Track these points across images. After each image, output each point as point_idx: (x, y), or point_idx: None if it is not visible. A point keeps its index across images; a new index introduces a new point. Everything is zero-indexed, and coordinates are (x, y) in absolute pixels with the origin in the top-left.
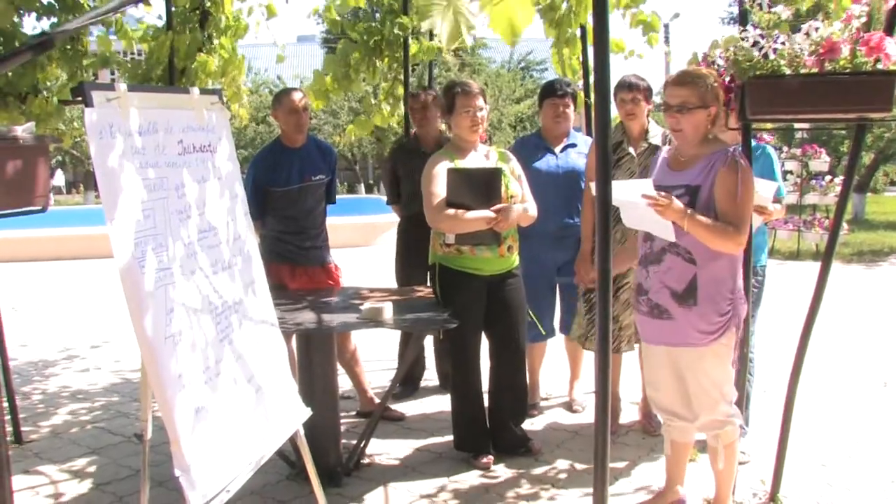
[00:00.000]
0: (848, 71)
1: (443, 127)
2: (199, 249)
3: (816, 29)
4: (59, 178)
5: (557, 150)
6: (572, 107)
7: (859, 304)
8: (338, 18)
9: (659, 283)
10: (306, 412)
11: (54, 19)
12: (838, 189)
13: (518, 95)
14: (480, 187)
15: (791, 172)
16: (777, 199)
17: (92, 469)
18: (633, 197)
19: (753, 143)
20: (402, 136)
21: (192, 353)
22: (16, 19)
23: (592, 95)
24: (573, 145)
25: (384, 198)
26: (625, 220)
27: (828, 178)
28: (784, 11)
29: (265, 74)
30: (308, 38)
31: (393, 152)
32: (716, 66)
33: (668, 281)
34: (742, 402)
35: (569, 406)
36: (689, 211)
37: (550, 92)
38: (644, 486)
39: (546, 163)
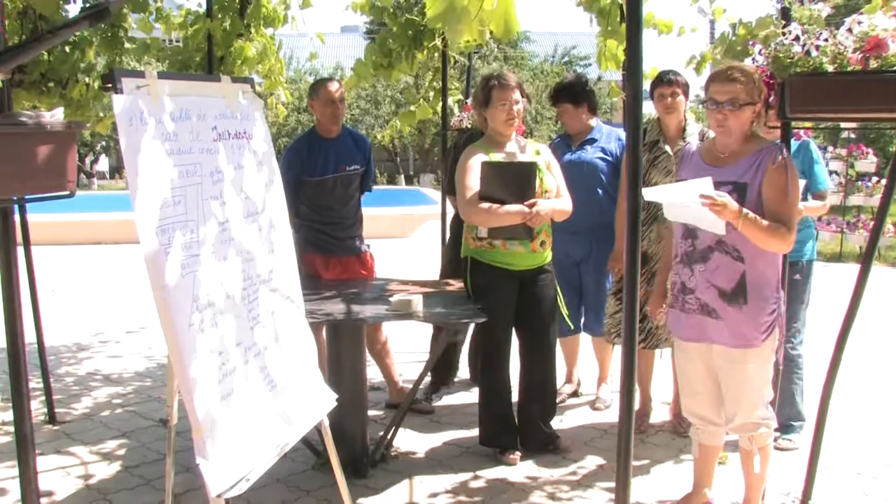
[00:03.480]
0: (895, 68)
1: None
2: (233, 236)
3: (859, 23)
4: (103, 163)
5: (574, 146)
6: (573, 108)
7: None
8: (378, 4)
9: (706, 282)
10: (332, 402)
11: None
12: None
13: None
14: (514, 181)
15: (836, 173)
16: (820, 193)
17: (121, 452)
18: (686, 198)
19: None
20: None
21: (217, 341)
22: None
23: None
24: (592, 140)
25: (423, 189)
26: (666, 213)
27: (874, 179)
28: (825, 9)
29: (307, 64)
30: (352, 28)
31: (457, 145)
32: (754, 62)
33: (715, 280)
34: (794, 399)
35: (593, 405)
36: (743, 211)
37: (553, 97)
38: (672, 487)
39: (560, 159)
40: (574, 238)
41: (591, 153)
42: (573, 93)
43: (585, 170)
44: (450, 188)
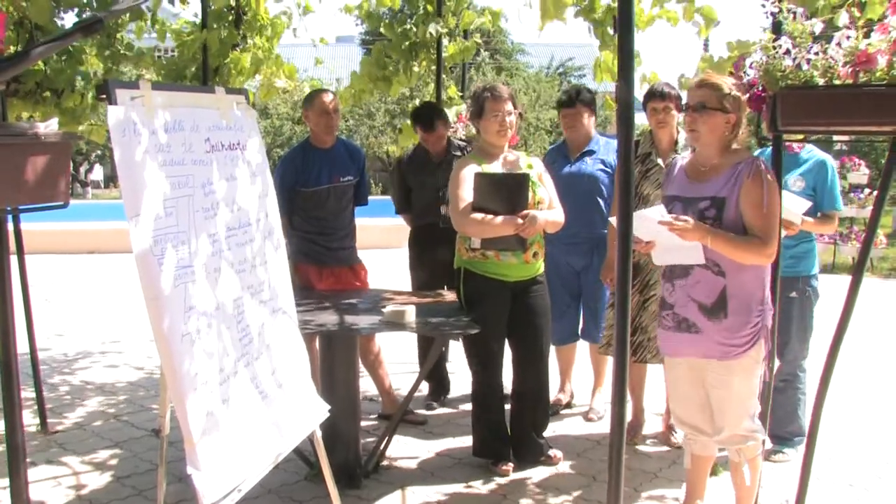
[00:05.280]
0: (885, 82)
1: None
2: (226, 248)
3: (848, 38)
4: (98, 172)
5: (573, 157)
6: (587, 115)
7: None
8: (373, 12)
9: (686, 296)
10: (324, 413)
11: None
12: None
13: (555, 101)
14: (507, 192)
15: None
16: (830, 213)
17: (113, 462)
18: (651, 226)
19: (805, 153)
20: (409, 148)
21: (209, 352)
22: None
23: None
24: (591, 152)
25: None
26: (655, 258)
27: (866, 191)
28: (818, 24)
29: (304, 74)
30: (347, 38)
31: (400, 163)
32: (746, 75)
33: (695, 294)
34: (797, 414)
35: (586, 415)
36: (710, 229)
37: (562, 103)
38: (664, 498)
39: (560, 169)
40: (575, 248)
41: (591, 165)
42: (590, 98)
43: (586, 181)
44: (400, 207)
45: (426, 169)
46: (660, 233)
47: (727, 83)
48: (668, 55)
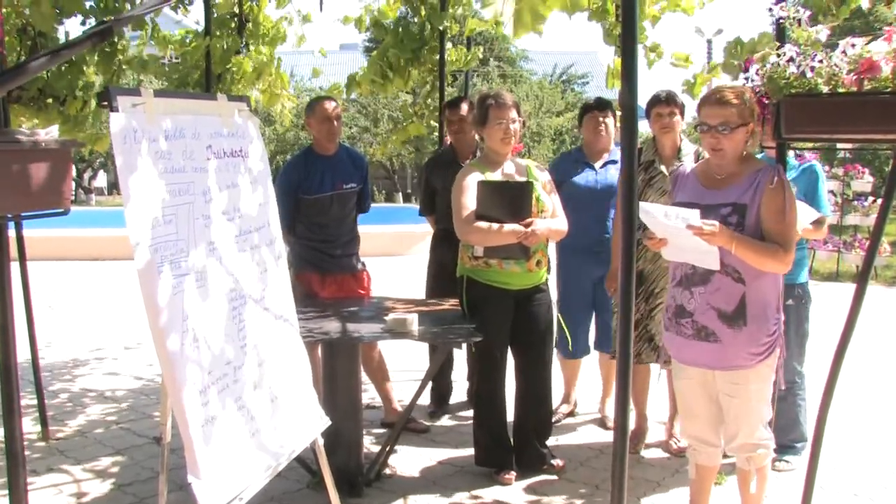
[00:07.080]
0: (889, 90)
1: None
2: (225, 255)
3: (853, 45)
4: (101, 179)
5: (597, 165)
6: (613, 121)
7: None
8: (378, 22)
9: (706, 304)
10: (325, 421)
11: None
12: None
13: (559, 108)
14: (510, 200)
15: (833, 192)
16: (820, 218)
17: (115, 469)
18: (675, 225)
19: (797, 161)
20: (438, 148)
21: (209, 360)
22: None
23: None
24: (614, 161)
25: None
26: (665, 254)
27: (870, 198)
28: (822, 31)
29: (308, 82)
30: (351, 45)
31: (428, 164)
32: (751, 83)
33: (715, 302)
34: (798, 420)
35: (601, 423)
36: (735, 234)
37: (591, 106)
38: None
39: (585, 178)
40: (596, 258)
41: (614, 175)
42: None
43: (611, 191)
44: (424, 209)
45: (451, 170)
46: (677, 234)
47: (743, 94)
48: (671, 75)
